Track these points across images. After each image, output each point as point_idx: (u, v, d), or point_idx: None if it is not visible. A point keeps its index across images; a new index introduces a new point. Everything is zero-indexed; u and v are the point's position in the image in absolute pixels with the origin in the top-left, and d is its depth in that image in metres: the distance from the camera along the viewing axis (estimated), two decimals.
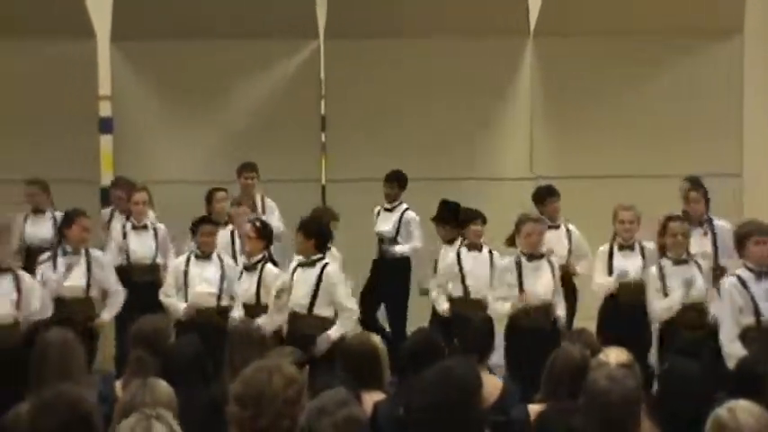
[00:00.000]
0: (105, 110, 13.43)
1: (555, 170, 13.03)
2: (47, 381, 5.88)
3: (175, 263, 10.50)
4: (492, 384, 6.50)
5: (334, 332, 9.21)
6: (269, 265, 9.99)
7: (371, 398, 6.23)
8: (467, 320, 7.11)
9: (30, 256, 11.96)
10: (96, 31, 13.11)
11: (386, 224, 12.09)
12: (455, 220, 11.01)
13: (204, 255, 10.31)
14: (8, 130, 12.88)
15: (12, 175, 12.19)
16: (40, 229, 12.03)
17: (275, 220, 11.65)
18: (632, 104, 13.32)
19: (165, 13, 12.96)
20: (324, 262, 9.45)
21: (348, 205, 11.87)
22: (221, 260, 10.36)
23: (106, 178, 13.30)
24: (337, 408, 4.07)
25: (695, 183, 11.09)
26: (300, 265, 9.48)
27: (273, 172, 12.54)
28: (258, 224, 10.07)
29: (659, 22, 13.09)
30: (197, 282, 10.19)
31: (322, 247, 9.52)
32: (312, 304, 9.33)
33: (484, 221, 10.81)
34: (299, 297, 9.38)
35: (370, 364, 6.44)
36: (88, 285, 10.10)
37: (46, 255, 10.29)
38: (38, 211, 12.05)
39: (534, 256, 9.90)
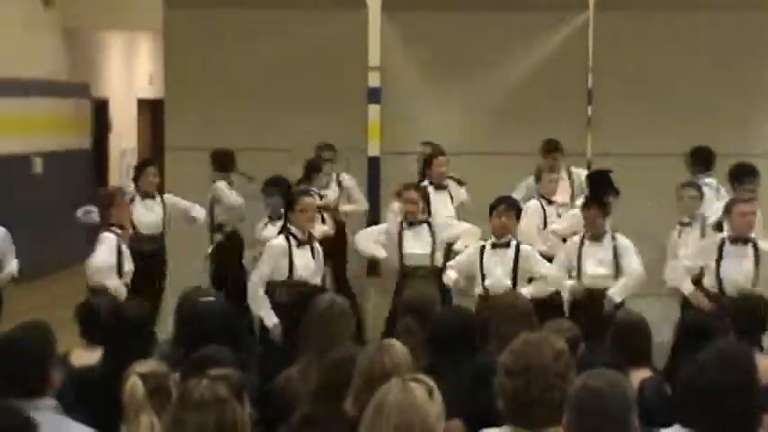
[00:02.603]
0: (374, 80, 13.63)
1: None
2: (315, 344, 6.02)
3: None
4: (764, 365, 6.29)
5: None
6: None
7: (638, 375, 6.14)
8: (741, 301, 6.90)
9: None
10: (368, 2, 13.30)
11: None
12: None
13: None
14: (281, 100, 13.16)
15: (283, 144, 12.49)
16: None
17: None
18: None
19: None
20: (515, 241, 9.44)
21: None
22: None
23: (374, 148, 13.52)
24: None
25: None
26: (493, 246, 9.42)
27: (538, 145, 12.47)
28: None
29: None
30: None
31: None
32: (514, 285, 9.27)
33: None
34: (499, 278, 9.33)
35: (641, 339, 6.35)
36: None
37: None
38: None
39: (739, 239, 9.23)
